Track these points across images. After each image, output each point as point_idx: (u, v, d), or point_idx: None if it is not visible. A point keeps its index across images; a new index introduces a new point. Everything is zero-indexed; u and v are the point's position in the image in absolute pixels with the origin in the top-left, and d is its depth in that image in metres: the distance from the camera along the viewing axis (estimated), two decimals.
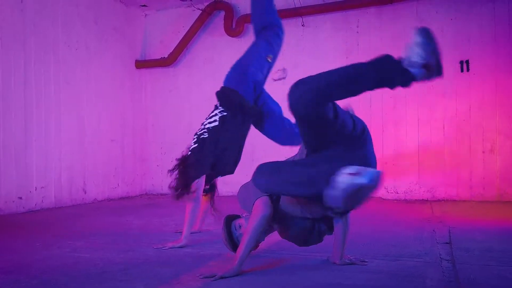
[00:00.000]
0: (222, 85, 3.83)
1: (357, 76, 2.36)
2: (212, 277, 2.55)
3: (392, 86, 2.35)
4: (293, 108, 2.31)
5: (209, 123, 3.70)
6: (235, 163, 3.86)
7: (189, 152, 3.69)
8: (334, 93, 2.35)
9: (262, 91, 3.87)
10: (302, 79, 2.34)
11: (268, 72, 3.92)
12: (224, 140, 3.68)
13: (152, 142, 8.06)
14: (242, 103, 3.70)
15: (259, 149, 6.92)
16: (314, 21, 7.06)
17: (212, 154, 3.65)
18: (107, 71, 7.23)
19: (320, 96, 2.30)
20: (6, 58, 5.53)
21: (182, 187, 3.60)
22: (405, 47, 2.27)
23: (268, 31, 3.85)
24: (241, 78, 3.73)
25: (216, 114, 3.71)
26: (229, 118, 3.68)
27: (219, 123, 3.66)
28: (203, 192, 3.87)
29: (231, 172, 3.89)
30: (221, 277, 2.55)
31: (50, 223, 4.88)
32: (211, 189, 3.98)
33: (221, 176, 3.92)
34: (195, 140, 3.70)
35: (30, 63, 5.83)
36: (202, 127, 3.72)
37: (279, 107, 3.93)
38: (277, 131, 3.91)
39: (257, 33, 3.95)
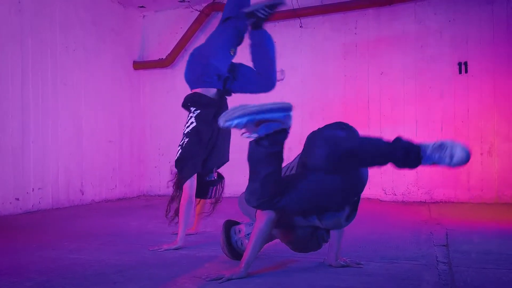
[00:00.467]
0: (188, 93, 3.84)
1: (377, 155, 2.43)
2: (219, 279, 2.55)
3: (399, 165, 2.40)
4: (316, 158, 2.46)
5: (187, 127, 3.71)
6: (227, 151, 3.92)
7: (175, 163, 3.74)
8: (351, 162, 2.46)
9: (229, 75, 3.84)
10: (334, 139, 2.42)
11: (229, 62, 3.88)
12: (208, 135, 3.69)
13: (150, 143, 8.05)
14: (209, 100, 3.74)
15: None
16: (312, 22, 7.06)
17: (199, 153, 3.68)
18: (105, 72, 7.22)
19: (342, 159, 2.42)
20: (3, 59, 5.53)
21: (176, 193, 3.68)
22: (444, 143, 2.28)
23: (233, 23, 3.80)
24: (203, 70, 3.72)
25: (191, 117, 3.72)
26: (204, 113, 3.70)
27: (196, 122, 3.68)
28: (212, 184, 3.87)
29: (227, 160, 3.95)
30: (229, 279, 2.55)
31: (47, 224, 4.87)
32: (219, 179, 3.97)
33: (219, 167, 3.95)
34: (179, 150, 3.71)
35: (27, 64, 5.82)
36: (183, 136, 3.73)
37: (246, 69, 3.90)
38: (252, 89, 3.95)
39: (222, 21, 3.92)
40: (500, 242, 3.62)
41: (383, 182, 6.60)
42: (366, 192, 5.67)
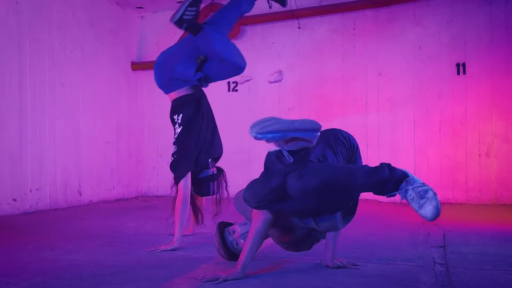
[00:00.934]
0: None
1: (353, 187, 2.51)
2: (216, 280, 2.55)
3: (375, 193, 2.53)
4: (294, 189, 2.47)
5: (174, 136, 3.76)
6: (218, 143, 3.93)
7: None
8: (326, 193, 2.51)
9: (201, 75, 3.82)
10: (314, 169, 2.44)
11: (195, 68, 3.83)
12: (196, 132, 3.70)
13: (148, 144, 8.03)
14: (186, 97, 3.76)
15: (255, 152, 6.91)
16: (310, 23, 7.05)
17: (190, 153, 3.69)
18: (103, 73, 7.21)
19: (317, 190, 2.46)
20: (0, 59, 5.52)
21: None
22: (427, 192, 2.33)
23: (207, 31, 3.73)
24: (170, 74, 3.72)
25: (176, 124, 3.76)
26: (186, 112, 3.72)
27: (182, 126, 3.71)
28: (212, 179, 3.88)
29: (220, 152, 3.96)
30: (225, 280, 2.56)
31: (45, 225, 4.87)
32: (218, 172, 3.97)
33: (215, 160, 3.97)
34: (171, 158, 3.75)
35: (25, 65, 5.81)
36: (173, 146, 3.77)
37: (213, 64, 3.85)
38: (225, 78, 4.01)
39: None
40: (498, 244, 3.62)
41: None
42: (364, 194, 5.65)
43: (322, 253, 2.91)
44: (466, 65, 6.26)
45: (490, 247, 3.45)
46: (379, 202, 6.49)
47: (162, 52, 3.90)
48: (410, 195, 2.34)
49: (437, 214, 2.28)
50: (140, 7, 7.76)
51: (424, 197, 2.30)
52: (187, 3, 3.53)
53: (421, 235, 3.97)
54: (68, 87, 6.49)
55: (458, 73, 6.29)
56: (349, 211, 2.75)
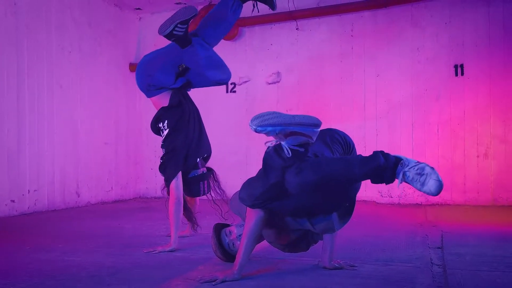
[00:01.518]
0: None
1: (351, 178, 2.50)
2: (213, 281, 2.56)
3: (374, 182, 2.51)
4: (292, 185, 2.47)
5: (162, 140, 3.77)
6: (206, 142, 3.93)
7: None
8: (325, 187, 2.51)
9: (185, 81, 3.80)
10: (312, 164, 2.44)
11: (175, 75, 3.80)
12: (181, 135, 3.72)
13: (146, 145, 8.01)
14: (168, 105, 3.74)
15: (252, 153, 6.91)
16: (308, 24, 7.06)
17: (178, 154, 3.69)
18: (101, 74, 7.21)
19: (316, 185, 2.46)
20: None
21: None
22: (424, 169, 2.31)
23: (195, 46, 3.73)
24: (150, 80, 3.70)
25: (162, 129, 3.76)
26: (171, 120, 3.71)
27: (167, 130, 3.71)
28: (202, 179, 3.88)
29: (209, 151, 3.96)
30: (223, 281, 2.56)
31: (43, 226, 4.86)
32: (208, 172, 3.96)
33: (205, 159, 3.95)
34: (161, 161, 3.77)
35: (23, 66, 5.81)
36: (162, 149, 3.79)
37: (200, 66, 3.78)
38: (207, 84, 3.94)
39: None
40: (495, 245, 3.63)
41: (379, 184, 6.58)
42: (362, 195, 5.65)
43: (320, 254, 2.91)
44: (464, 66, 6.27)
45: (487, 248, 3.45)
46: (377, 203, 6.50)
47: (145, 56, 3.88)
48: (409, 176, 2.32)
49: (440, 186, 2.25)
50: (138, 9, 7.76)
51: (423, 174, 2.29)
52: (177, 21, 3.52)
53: (418, 236, 3.97)
54: (66, 88, 6.49)
55: (456, 74, 6.30)
56: (346, 211, 2.75)
